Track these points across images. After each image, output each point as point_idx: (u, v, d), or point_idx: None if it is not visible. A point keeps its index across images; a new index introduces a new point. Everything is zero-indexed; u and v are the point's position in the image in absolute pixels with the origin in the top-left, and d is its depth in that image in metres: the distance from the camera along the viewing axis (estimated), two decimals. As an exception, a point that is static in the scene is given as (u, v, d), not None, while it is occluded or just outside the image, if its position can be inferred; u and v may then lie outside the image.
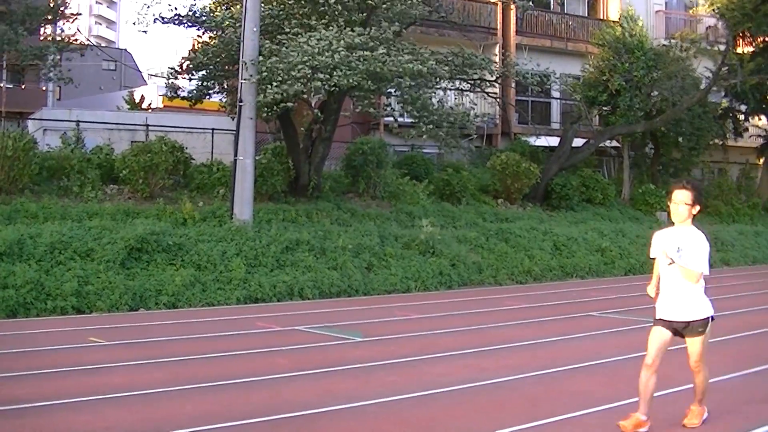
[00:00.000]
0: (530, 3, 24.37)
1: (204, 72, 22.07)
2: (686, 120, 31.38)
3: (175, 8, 22.11)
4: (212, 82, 22.37)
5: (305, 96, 21.53)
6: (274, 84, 18.01)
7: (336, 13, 19.85)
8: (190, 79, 22.70)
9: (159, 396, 8.56)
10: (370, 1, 19.69)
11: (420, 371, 10.10)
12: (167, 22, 21.88)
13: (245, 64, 18.95)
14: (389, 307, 16.28)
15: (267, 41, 19.38)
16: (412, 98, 20.32)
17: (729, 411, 8.12)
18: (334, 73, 17.78)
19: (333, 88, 18.38)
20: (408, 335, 13.00)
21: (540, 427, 7.49)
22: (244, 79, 19.01)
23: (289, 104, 18.85)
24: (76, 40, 26.95)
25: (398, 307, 16.27)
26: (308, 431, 7.39)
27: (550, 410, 7.98)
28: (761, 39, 32.74)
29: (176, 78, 22.15)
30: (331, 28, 18.77)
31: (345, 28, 18.91)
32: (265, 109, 19.15)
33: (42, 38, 23.78)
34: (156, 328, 13.43)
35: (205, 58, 21.33)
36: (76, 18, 26.43)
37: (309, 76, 17.96)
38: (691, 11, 38.31)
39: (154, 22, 22.22)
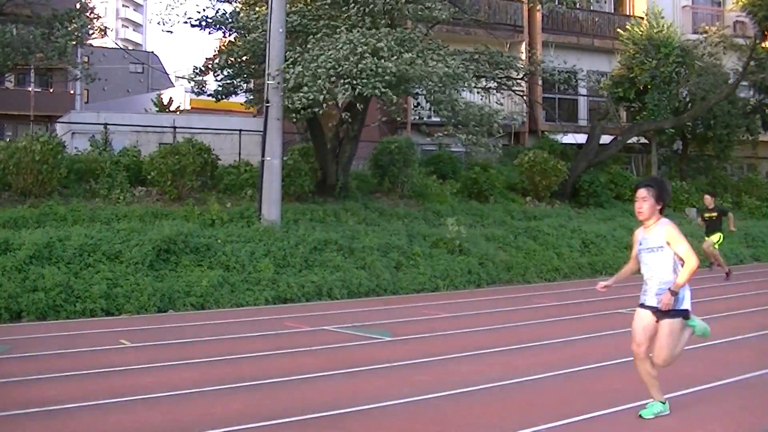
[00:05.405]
0: (555, 2, 24.20)
1: (229, 70, 22.11)
2: (717, 116, 31.08)
3: (204, 10, 22.19)
4: (238, 80, 22.43)
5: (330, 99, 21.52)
6: (299, 94, 17.89)
7: (361, 16, 19.76)
8: (216, 78, 22.75)
9: (188, 396, 8.57)
10: (393, 6, 19.55)
11: (449, 370, 10.06)
12: (194, 26, 21.98)
13: (270, 74, 18.92)
14: (418, 306, 16.23)
15: (291, 47, 19.28)
16: (438, 99, 20.21)
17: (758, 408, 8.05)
18: (359, 80, 17.66)
19: (359, 93, 18.24)
20: (436, 334, 12.95)
21: (570, 425, 7.43)
22: (270, 81, 19.03)
23: (316, 109, 18.74)
24: (101, 37, 26.94)
25: (427, 306, 16.23)
26: (337, 431, 7.37)
27: (580, 408, 7.92)
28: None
29: (202, 75, 22.23)
30: (356, 30, 18.65)
31: (371, 29, 18.79)
32: (293, 114, 19.11)
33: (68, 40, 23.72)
34: (185, 330, 13.46)
35: (231, 58, 21.39)
36: (97, 19, 26.34)
37: (333, 84, 17.88)
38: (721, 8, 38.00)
39: (185, 22, 22.19)
